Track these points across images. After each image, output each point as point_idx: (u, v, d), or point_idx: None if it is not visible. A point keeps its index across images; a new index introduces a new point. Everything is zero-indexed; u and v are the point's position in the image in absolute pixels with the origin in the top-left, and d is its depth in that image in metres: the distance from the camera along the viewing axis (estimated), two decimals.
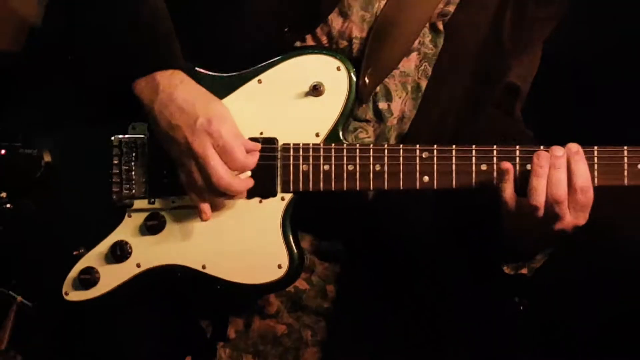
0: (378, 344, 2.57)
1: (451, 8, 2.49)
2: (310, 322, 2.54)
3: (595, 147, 2.31)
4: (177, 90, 2.35)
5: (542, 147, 2.32)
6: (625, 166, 2.31)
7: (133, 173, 2.43)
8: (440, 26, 2.49)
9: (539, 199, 2.27)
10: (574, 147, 2.29)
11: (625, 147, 2.32)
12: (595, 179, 2.30)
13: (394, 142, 2.49)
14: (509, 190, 2.30)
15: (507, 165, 2.30)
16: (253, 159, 2.36)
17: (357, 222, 2.49)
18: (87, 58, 2.38)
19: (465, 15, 2.49)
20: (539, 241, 2.37)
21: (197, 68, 2.43)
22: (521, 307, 3.33)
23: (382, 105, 2.47)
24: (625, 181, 2.31)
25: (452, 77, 2.50)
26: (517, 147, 2.33)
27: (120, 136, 2.44)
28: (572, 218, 2.28)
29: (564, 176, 2.27)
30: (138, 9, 2.38)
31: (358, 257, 2.53)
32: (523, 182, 2.30)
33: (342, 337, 2.55)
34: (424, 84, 2.49)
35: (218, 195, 2.35)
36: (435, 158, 2.35)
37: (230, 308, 2.52)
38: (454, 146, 2.35)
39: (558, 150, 2.28)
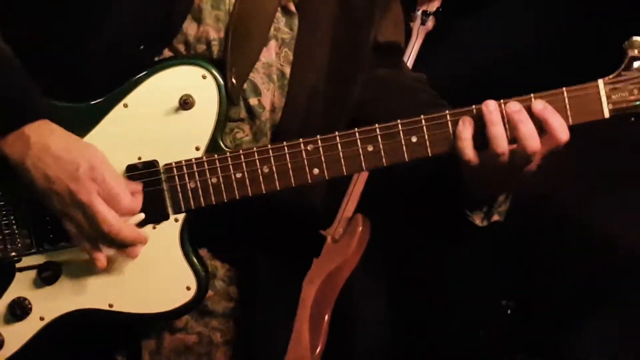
0: (284, 335, 2.60)
1: None
2: (218, 324, 2.52)
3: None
4: (50, 141, 2.23)
5: (422, 116, 2.33)
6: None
7: (15, 227, 2.32)
8: (292, 7, 2.43)
9: (503, 144, 2.27)
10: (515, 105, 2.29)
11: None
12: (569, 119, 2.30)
13: (270, 135, 2.45)
14: (469, 149, 2.29)
15: (463, 124, 2.29)
16: (138, 201, 2.29)
17: (253, 219, 2.45)
18: None
19: None
20: (501, 185, 2.38)
21: (55, 102, 2.31)
22: (508, 311, 3.44)
23: (253, 101, 2.41)
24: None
25: (312, 56, 2.45)
26: (399, 121, 2.33)
27: None
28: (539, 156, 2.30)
29: (531, 125, 2.27)
30: None
31: (257, 254, 2.51)
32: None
33: (250, 333, 2.54)
34: (287, 70, 2.44)
35: (109, 244, 2.27)
36: (321, 149, 2.33)
37: (140, 334, 2.46)
38: (336, 133, 2.33)
39: (491, 104, 2.29)
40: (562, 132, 2.28)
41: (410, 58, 4.12)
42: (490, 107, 2.29)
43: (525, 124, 2.27)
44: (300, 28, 2.44)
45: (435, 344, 4.16)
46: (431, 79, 2.69)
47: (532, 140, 2.28)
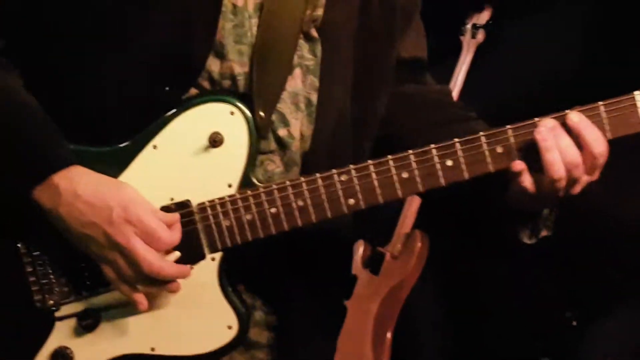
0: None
1: (319, 11, 2.39)
2: (264, 356, 2.48)
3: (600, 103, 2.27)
4: (80, 187, 2.22)
5: (456, 140, 2.27)
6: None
7: (51, 276, 2.31)
8: (314, 33, 2.40)
9: (560, 171, 2.25)
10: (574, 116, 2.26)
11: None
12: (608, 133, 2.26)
13: (300, 164, 2.40)
14: (528, 180, 2.27)
15: (519, 166, 2.27)
16: (177, 233, 2.26)
17: (288, 248, 2.41)
18: None
19: (334, 13, 2.40)
20: (545, 202, 2.37)
21: (82, 147, 2.29)
22: (574, 323, 3.39)
23: (282, 132, 2.37)
24: None
25: (337, 78, 2.42)
26: (432, 146, 2.28)
27: (27, 240, 2.29)
28: (587, 177, 2.28)
29: (569, 140, 2.25)
30: (11, 112, 2.25)
31: (291, 280, 2.47)
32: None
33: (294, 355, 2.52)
34: (314, 97, 2.40)
35: (150, 283, 2.25)
36: (355, 178, 2.28)
37: None
38: (369, 161, 2.29)
39: (548, 122, 2.25)
40: (598, 144, 2.23)
41: (461, 72, 4.07)
42: (544, 134, 2.25)
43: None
44: (324, 53, 2.40)
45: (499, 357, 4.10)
46: (483, 93, 2.65)
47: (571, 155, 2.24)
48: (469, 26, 4.04)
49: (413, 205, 4.31)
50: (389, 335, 4.26)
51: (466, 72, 4.03)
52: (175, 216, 2.27)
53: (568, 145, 2.25)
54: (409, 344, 4.27)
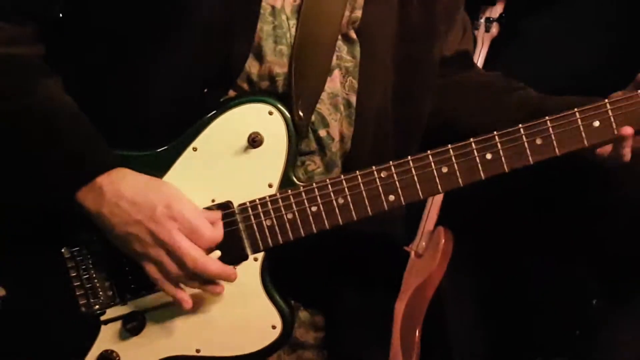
0: (382, 354, 2.56)
1: (358, 13, 2.40)
2: (312, 355, 2.51)
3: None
4: (123, 187, 2.23)
5: (495, 132, 2.28)
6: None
7: (95, 281, 2.32)
8: (353, 34, 2.40)
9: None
10: None
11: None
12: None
13: (341, 165, 2.42)
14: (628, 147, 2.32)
15: (628, 130, 2.29)
16: (219, 230, 2.27)
17: (334, 248, 2.42)
18: (15, 183, 2.25)
19: (372, 15, 2.40)
20: None
21: (122, 152, 2.30)
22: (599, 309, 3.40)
23: (322, 132, 2.38)
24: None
25: (377, 80, 2.42)
26: (472, 139, 2.29)
27: (70, 246, 2.31)
28: None
29: None
30: (54, 117, 2.27)
31: (342, 282, 2.49)
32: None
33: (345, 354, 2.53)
34: (353, 98, 2.40)
35: (194, 280, 2.26)
36: (394, 175, 2.29)
37: None
38: (409, 157, 2.30)
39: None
40: None
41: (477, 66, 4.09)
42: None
43: None
44: (362, 54, 2.40)
45: (529, 346, 4.10)
46: None
47: None
48: (482, 20, 4.06)
49: (435, 202, 4.33)
50: (417, 333, 4.27)
51: (482, 66, 4.05)
52: (218, 214, 2.29)
53: None
54: (440, 339, 4.28)
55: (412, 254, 4.29)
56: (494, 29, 4.08)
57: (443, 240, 4.30)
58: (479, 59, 4.07)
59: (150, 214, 2.23)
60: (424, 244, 4.30)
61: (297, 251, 2.35)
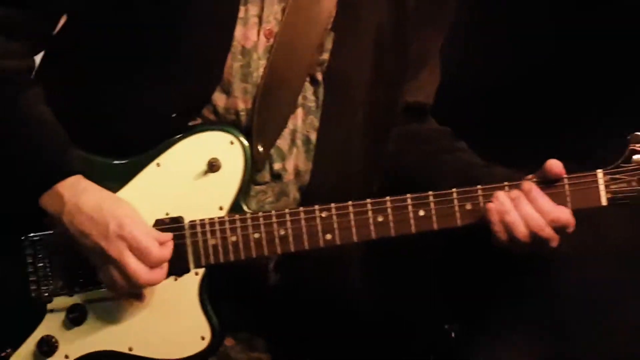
0: None
1: (326, 56, 2.59)
2: None
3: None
4: (82, 199, 2.44)
5: (430, 192, 2.49)
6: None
7: (49, 270, 2.52)
8: (319, 76, 2.60)
9: (522, 229, 2.46)
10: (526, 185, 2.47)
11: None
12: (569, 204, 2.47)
13: (295, 196, 2.61)
14: (502, 232, 2.47)
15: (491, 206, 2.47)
16: (168, 250, 2.47)
17: (271, 271, 2.63)
18: None
19: (341, 58, 2.59)
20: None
21: (94, 157, 2.52)
22: (452, 334, 3.40)
23: (278, 166, 2.59)
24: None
25: (341, 120, 2.61)
26: (409, 195, 2.49)
27: (31, 235, 2.52)
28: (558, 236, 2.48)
29: (530, 208, 2.45)
30: (25, 125, 2.47)
31: (281, 306, 2.66)
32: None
33: None
34: (313, 136, 2.60)
35: (139, 290, 2.48)
36: (334, 216, 2.50)
37: None
38: (350, 202, 2.50)
39: (506, 196, 2.46)
40: (559, 212, 2.45)
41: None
42: (501, 199, 2.47)
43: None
44: (326, 96, 2.59)
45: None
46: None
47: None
48: None
49: None
50: None
51: None
52: (169, 235, 2.49)
53: (529, 211, 2.45)
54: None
55: None
56: None
57: None
58: None
59: (102, 231, 2.43)
60: None
61: (239, 272, 2.55)
